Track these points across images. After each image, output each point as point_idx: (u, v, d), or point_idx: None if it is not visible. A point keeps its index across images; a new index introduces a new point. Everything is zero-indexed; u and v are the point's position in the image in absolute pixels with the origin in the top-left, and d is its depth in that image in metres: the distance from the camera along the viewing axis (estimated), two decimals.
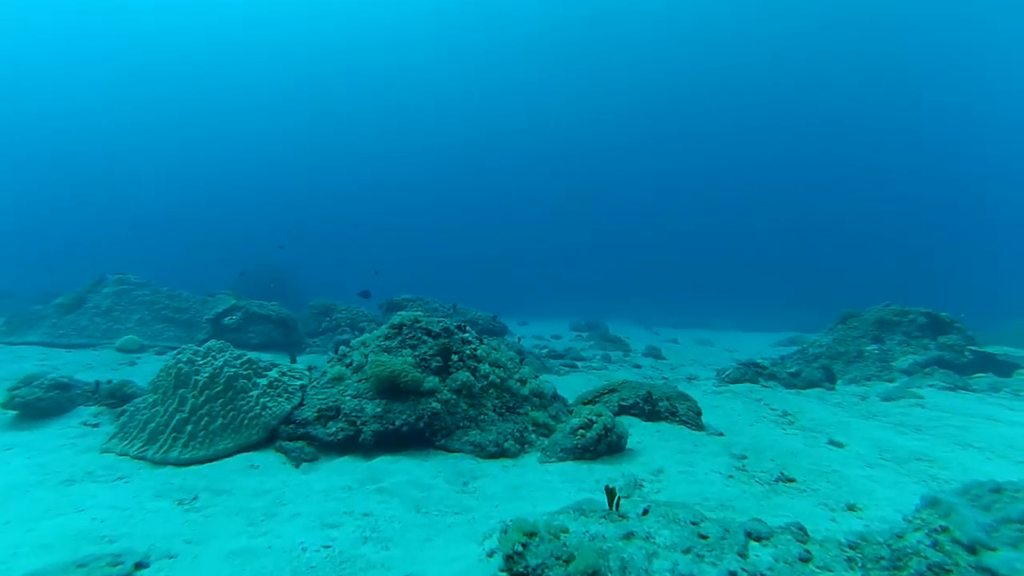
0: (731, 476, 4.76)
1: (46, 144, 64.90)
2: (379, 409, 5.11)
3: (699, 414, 6.89)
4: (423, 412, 5.18)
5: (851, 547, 2.91)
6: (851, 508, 4.06)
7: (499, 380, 5.82)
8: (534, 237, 78.23)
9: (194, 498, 4.00)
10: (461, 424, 5.34)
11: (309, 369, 5.99)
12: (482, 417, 5.47)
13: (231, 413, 4.84)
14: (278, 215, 67.06)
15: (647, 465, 5.13)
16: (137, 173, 67.10)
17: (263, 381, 5.22)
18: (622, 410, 6.80)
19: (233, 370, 5.08)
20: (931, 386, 9.12)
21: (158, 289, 13.01)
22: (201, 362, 5.18)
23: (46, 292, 15.11)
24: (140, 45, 62.46)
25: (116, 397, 6.31)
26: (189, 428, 4.67)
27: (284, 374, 5.48)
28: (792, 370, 10.01)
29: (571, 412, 6.56)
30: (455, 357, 5.76)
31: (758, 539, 3.01)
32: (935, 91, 58.13)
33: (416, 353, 5.69)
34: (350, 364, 5.69)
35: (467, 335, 6.27)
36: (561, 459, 5.22)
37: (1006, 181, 63.82)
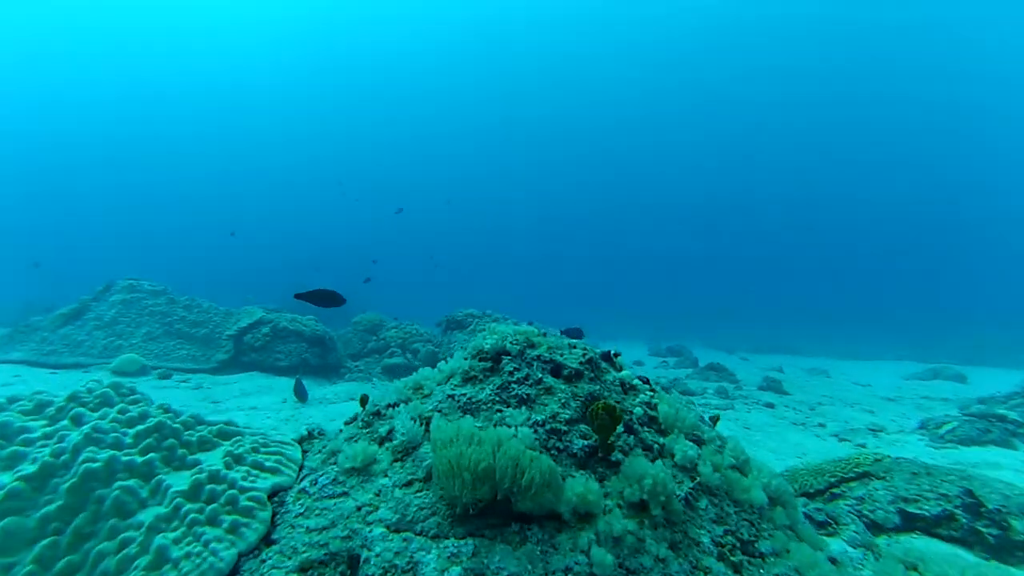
0: None
1: (112, 149, 65.25)
2: (458, 568, 1.89)
3: None
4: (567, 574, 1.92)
5: None
6: None
7: (718, 477, 2.50)
8: (586, 254, 74.13)
9: None
10: None
11: (305, 440, 2.83)
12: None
13: None
14: (327, 233, 65.30)
15: None
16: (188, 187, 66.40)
17: (182, 481, 2.07)
18: (908, 523, 3.32)
19: (104, 457, 1.97)
20: None
21: (175, 298, 10.40)
22: (39, 431, 2.11)
23: (60, 299, 12.66)
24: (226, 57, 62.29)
25: None
26: None
27: (238, 459, 2.32)
28: None
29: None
30: (620, 427, 2.49)
31: None
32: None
33: (535, 418, 2.44)
34: (388, 438, 2.50)
35: (625, 373, 2.99)
36: None
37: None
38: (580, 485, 2.16)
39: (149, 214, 62.74)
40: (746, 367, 16.71)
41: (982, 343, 18.40)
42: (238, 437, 2.48)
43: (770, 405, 9.63)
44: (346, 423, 2.95)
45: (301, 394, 7.99)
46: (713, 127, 62.96)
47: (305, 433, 2.96)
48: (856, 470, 3.68)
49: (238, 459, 2.29)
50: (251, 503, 2.12)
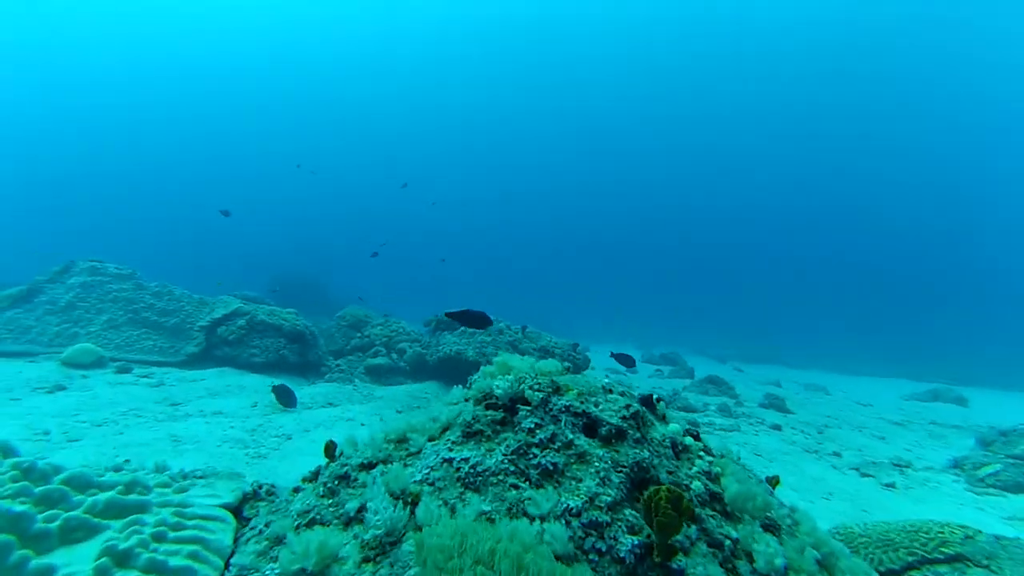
0: None
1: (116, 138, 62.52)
2: None
3: None
4: None
5: None
6: None
7: None
8: (574, 255, 73.18)
9: None
10: None
11: (248, 500, 2.09)
12: None
13: None
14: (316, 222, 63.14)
15: None
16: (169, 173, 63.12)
17: None
18: None
19: None
20: None
21: (143, 284, 9.53)
22: None
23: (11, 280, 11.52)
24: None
25: None
26: None
27: (124, 559, 1.56)
28: None
29: None
30: (685, 521, 1.78)
31: None
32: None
33: (568, 503, 1.72)
34: (358, 519, 1.76)
35: (673, 428, 2.28)
36: None
37: None
38: None
39: (126, 197, 60.34)
40: (743, 380, 16.15)
41: (973, 361, 18.02)
42: (138, 514, 1.72)
43: (776, 427, 9.02)
44: (305, 480, 2.21)
45: (287, 400, 7.13)
46: (701, 128, 62.26)
47: (249, 490, 2.22)
48: (943, 550, 3.01)
49: (124, 558, 1.53)
50: None
